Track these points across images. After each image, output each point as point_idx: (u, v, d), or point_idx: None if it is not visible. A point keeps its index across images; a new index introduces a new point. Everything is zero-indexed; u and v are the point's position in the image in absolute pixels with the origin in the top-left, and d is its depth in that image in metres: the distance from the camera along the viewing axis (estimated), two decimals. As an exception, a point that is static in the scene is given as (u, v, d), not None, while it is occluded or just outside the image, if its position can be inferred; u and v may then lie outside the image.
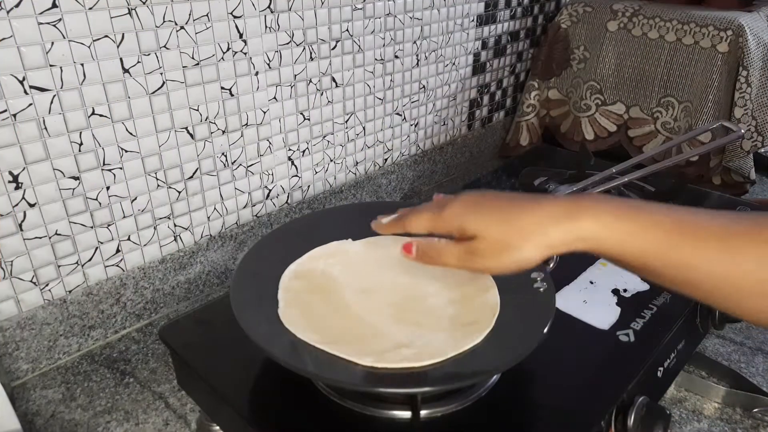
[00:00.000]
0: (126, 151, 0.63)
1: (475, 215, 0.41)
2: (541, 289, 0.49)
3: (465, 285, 0.53)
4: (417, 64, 0.93)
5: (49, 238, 0.60)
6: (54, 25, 0.54)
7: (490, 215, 0.41)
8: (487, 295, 0.51)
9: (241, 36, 0.68)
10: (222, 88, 0.69)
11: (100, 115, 0.60)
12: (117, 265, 0.67)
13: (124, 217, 0.65)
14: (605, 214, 0.37)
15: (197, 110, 0.67)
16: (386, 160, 0.97)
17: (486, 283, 0.53)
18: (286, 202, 0.83)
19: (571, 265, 0.62)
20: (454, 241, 0.42)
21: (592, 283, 0.61)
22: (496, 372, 0.46)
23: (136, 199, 0.66)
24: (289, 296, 0.51)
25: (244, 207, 0.78)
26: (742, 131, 0.68)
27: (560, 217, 0.38)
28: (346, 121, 0.86)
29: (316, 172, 0.85)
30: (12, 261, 0.58)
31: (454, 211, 0.42)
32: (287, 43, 0.73)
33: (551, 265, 0.54)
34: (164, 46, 0.62)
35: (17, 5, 0.51)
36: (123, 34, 0.58)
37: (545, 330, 0.44)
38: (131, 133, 0.63)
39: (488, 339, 0.46)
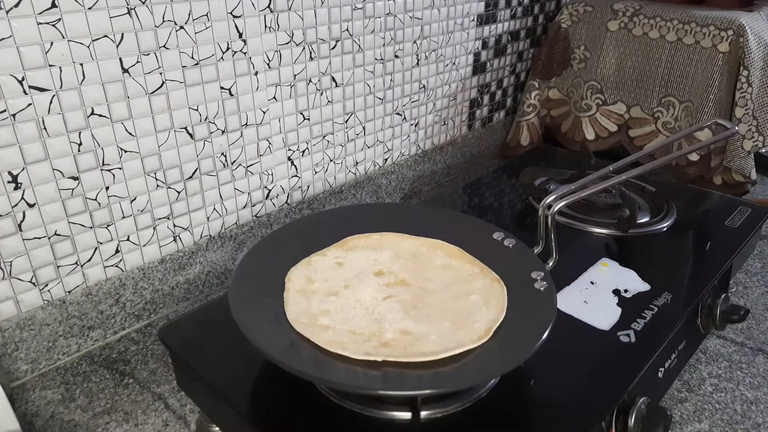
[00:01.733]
0: (125, 151, 0.63)
1: None
2: (542, 289, 0.49)
3: (471, 284, 0.53)
4: (417, 63, 0.93)
5: (49, 238, 0.60)
6: (53, 25, 0.54)
7: None
8: (493, 295, 0.51)
9: (240, 36, 0.68)
10: (221, 87, 0.68)
11: (100, 115, 0.59)
12: (116, 266, 0.67)
13: (124, 217, 0.65)
14: None
15: (197, 110, 0.67)
16: (386, 160, 0.97)
17: (494, 283, 0.52)
18: (286, 202, 0.83)
19: (571, 266, 0.62)
20: None
21: (592, 283, 0.61)
22: (497, 375, 0.46)
23: (135, 199, 0.65)
24: (292, 293, 0.51)
25: (244, 207, 0.78)
26: (736, 128, 0.68)
27: None
28: (346, 121, 0.86)
29: (316, 172, 0.85)
30: (11, 261, 0.58)
31: None
32: (287, 43, 0.73)
33: (551, 264, 0.54)
34: (164, 46, 0.62)
35: (17, 5, 0.51)
36: (122, 34, 0.58)
37: (546, 332, 0.44)
38: (130, 133, 0.62)
39: (491, 340, 0.46)
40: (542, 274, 0.51)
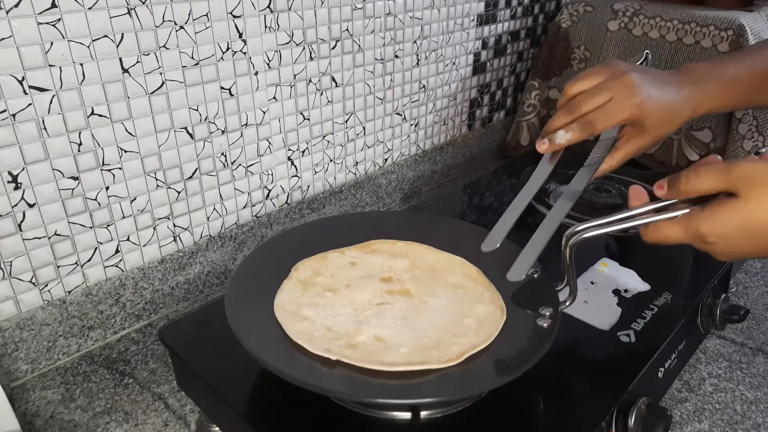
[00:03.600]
0: (125, 151, 0.63)
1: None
2: (545, 326, 0.47)
3: (474, 307, 0.51)
4: (417, 63, 0.93)
5: (49, 238, 0.60)
6: (53, 25, 0.54)
7: None
8: (489, 322, 0.49)
9: (240, 36, 0.68)
10: (221, 87, 0.68)
11: (100, 115, 0.59)
12: (116, 266, 0.67)
13: (124, 217, 0.65)
14: None
15: (197, 110, 0.67)
16: (386, 160, 0.96)
17: (496, 311, 0.50)
18: (286, 202, 0.83)
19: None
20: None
21: (593, 283, 0.61)
22: (493, 387, 0.44)
23: (135, 199, 0.65)
24: (292, 282, 0.52)
25: (244, 207, 0.78)
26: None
27: None
28: (346, 121, 0.86)
29: (316, 172, 0.85)
30: (11, 261, 0.58)
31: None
32: (287, 43, 0.73)
33: (567, 304, 0.50)
34: (164, 46, 0.62)
35: (17, 5, 0.51)
36: (122, 34, 0.58)
37: (518, 374, 0.41)
38: (130, 133, 0.62)
39: (460, 364, 0.44)
40: (550, 311, 0.48)
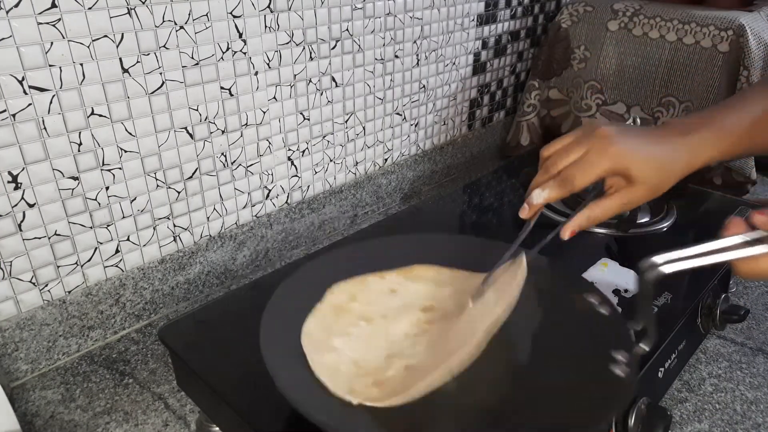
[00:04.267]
0: (125, 151, 0.63)
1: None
2: (622, 375, 0.41)
3: None
4: (417, 63, 0.93)
5: (49, 238, 0.60)
6: (53, 25, 0.54)
7: None
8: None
9: (240, 36, 0.68)
10: (221, 87, 0.68)
11: (100, 115, 0.59)
12: (116, 266, 0.67)
13: (124, 217, 0.65)
14: None
15: (197, 110, 0.67)
16: (386, 160, 0.96)
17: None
18: (286, 202, 0.83)
19: (571, 266, 0.62)
20: None
21: (593, 283, 0.60)
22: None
23: (135, 199, 0.65)
24: (325, 305, 0.49)
25: (244, 207, 0.78)
26: None
27: None
28: (346, 121, 0.86)
29: (316, 172, 0.85)
30: (11, 261, 0.58)
31: None
32: (287, 43, 0.73)
33: (647, 349, 0.44)
34: (164, 46, 0.62)
35: (17, 5, 0.51)
36: (122, 34, 0.58)
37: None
38: (130, 133, 0.62)
39: None
40: (628, 356, 0.41)
